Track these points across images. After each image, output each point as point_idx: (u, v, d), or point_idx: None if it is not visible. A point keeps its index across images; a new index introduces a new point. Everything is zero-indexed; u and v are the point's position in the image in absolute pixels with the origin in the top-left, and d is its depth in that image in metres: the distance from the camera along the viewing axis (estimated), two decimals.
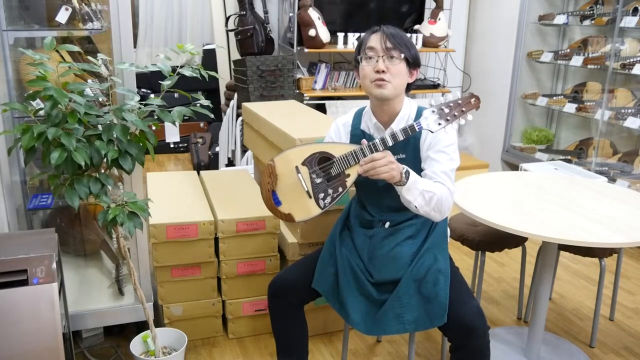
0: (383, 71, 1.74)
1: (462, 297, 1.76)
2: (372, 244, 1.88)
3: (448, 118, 1.59)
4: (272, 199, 1.83)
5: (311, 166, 1.76)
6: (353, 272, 1.88)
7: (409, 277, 1.80)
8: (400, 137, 1.65)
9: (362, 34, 1.85)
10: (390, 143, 1.66)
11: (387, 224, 1.87)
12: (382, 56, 1.74)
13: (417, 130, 1.64)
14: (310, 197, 1.75)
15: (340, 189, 1.72)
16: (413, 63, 1.78)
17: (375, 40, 1.75)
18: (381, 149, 1.66)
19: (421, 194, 1.70)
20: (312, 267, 1.97)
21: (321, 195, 1.74)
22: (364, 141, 1.70)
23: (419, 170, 1.81)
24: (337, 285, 1.91)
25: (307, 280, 1.95)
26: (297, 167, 1.78)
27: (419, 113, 1.83)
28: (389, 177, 1.64)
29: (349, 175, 1.70)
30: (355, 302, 1.86)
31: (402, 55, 1.75)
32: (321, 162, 1.75)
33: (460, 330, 1.72)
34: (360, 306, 1.86)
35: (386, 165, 1.63)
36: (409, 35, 4.38)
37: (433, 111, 1.63)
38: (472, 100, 1.58)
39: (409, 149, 1.82)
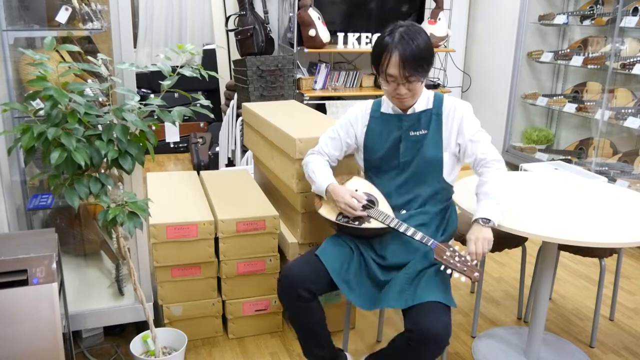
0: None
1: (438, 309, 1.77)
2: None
3: (450, 262, 1.75)
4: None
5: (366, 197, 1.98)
6: (362, 256, 1.96)
7: (419, 259, 1.89)
8: (416, 237, 1.83)
9: (375, 42, 1.88)
10: (405, 232, 1.85)
11: (404, 211, 1.97)
12: (402, 83, 1.84)
13: (429, 244, 1.81)
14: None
15: (356, 222, 1.94)
16: (425, 74, 1.88)
17: (394, 67, 1.81)
18: (405, 233, 1.86)
19: (503, 210, 1.90)
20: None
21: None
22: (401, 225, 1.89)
23: (439, 144, 1.94)
24: (347, 267, 1.94)
25: (319, 271, 1.92)
26: (357, 190, 2.01)
27: (437, 96, 1.97)
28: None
29: (370, 222, 1.92)
30: (362, 283, 1.93)
31: (421, 77, 1.86)
32: (367, 200, 1.97)
33: (420, 334, 1.72)
34: (365, 287, 1.93)
35: (484, 251, 1.82)
36: None
37: (451, 249, 1.77)
38: (475, 274, 1.72)
39: (432, 125, 1.94)
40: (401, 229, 1.85)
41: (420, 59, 1.80)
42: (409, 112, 1.96)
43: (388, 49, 1.81)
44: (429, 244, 1.81)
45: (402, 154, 1.96)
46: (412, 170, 1.95)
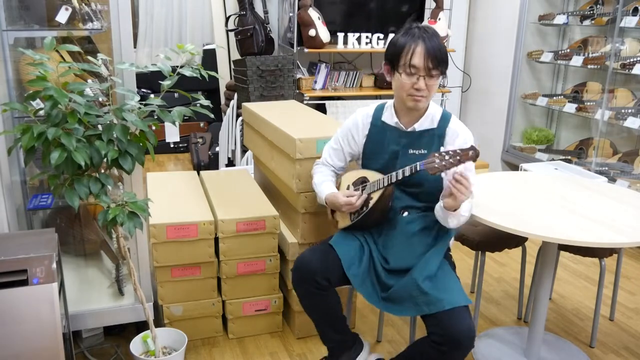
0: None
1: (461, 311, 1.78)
2: (389, 231, 1.97)
3: (444, 164, 1.69)
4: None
5: (355, 186, 2.00)
6: (372, 255, 1.97)
7: (423, 265, 1.88)
8: (407, 173, 1.80)
9: (392, 40, 1.86)
10: (400, 177, 1.82)
11: (406, 213, 1.97)
12: (424, 75, 1.80)
13: (419, 170, 1.75)
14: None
15: (364, 208, 1.94)
16: (445, 72, 1.85)
17: (418, 57, 1.78)
18: (400, 178, 1.82)
19: (458, 219, 1.84)
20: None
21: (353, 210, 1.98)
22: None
23: None
24: (359, 261, 1.95)
25: (335, 260, 1.92)
26: (348, 186, 2.03)
27: (444, 116, 1.93)
28: (461, 200, 1.74)
29: (372, 198, 1.91)
30: (368, 280, 1.94)
31: (441, 72, 1.82)
32: (361, 184, 1.98)
33: (451, 341, 1.74)
34: (371, 284, 1.94)
35: (467, 192, 1.73)
36: None
37: (436, 155, 1.72)
38: (471, 152, 1.67)
39: (433, 146, 1.91)
40: (398, 177, 1.82)
41: (442, 54, 1.80)
42: (409, 129, 1.93)
43: (412, 40, 1.79)
44: (419, 169, 1.76)
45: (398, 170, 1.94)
46: (410, 187, 1.95)
